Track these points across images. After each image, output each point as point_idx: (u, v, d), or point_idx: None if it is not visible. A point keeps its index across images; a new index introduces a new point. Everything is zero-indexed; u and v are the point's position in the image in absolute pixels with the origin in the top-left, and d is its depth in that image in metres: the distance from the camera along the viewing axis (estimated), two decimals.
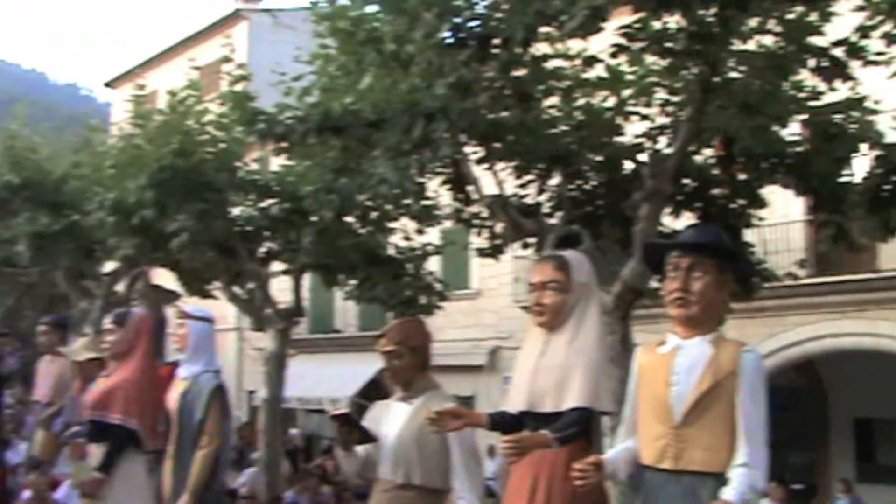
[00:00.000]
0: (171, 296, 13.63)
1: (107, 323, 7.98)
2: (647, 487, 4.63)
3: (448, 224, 14.98)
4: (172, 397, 7.79)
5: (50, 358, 10.97)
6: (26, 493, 9.64)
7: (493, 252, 14.01)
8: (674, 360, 4.57)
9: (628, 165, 12.73)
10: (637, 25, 10.45)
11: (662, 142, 12.40)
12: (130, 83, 18.31)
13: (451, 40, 11.33)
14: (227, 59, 14.84)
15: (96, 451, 7.61)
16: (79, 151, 18.99)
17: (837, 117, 12.12)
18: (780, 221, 18.47)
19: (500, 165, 12.90)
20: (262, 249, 15.54)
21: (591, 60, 11.71)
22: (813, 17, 10.62)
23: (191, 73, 16.06)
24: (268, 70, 13.72)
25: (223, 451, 7.71)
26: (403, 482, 5.83)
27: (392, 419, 6.00)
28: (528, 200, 13.32)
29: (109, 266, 19.60)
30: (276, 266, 16.23)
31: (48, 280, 20.69)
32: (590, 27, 9.77)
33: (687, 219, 12.63)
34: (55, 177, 18.75)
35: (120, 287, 17.93)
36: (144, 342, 7.84)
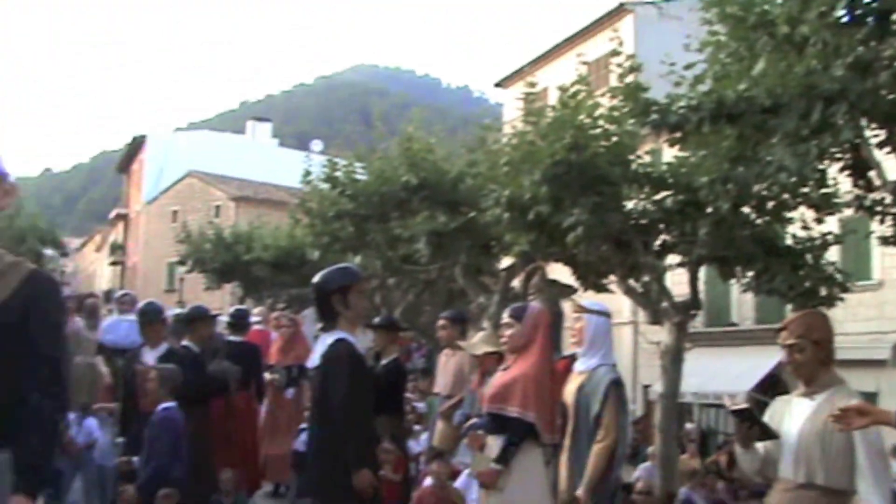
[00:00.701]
0: (568, 290, 13.72)
1: (505, 317, 8.09)
2: None
3: (848, 212, 14.39)
4: (569, 391, 7.81)
5: (450, 352, 11.28)
6: (428, 481, 9.91)
7: None
8: None
9: None
10: None
11: None
12: (520, 81, 18.53)
13: (847, 18, 10.89)
14: (615, 53, 14.76)
15: (494, 443, 7.72)
16: (473, 151, 19.43)
17: None
18: None
19: None
20: (658, 242, 15.33)
21: None
22: None
23: (580, 68, 16.08)
24: (655, 61, 13.58)
25: (619, 446, 7.67)
26: (805, 481, 5.62)
27: (794, 416, 5.79)
28: None
29: (506, 262, 19.93)
30: (672, 259, 16.02)
31: (446, 276, 21.21)
32: None
33: None
34: (451, 176, 19.21)
35: (516, 282, 18.21)
36: (542, 336, 7.88)
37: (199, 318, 11.31)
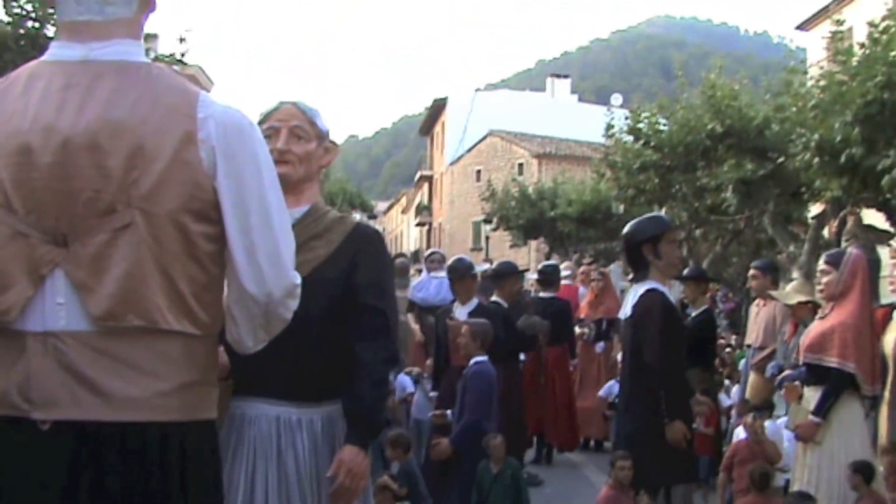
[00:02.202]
0: (884, 236, 13.25)
1: (821, 264, 7.88)
2: None
3: None
4: (888, 340, 7.56)
5: (761, 302, 11.10)
6: (742, 435, 9.74)
7: None
8: None
9: None
10: None
11: None
12: (825, 21, 17.88)
13: None
14: None
15: (812, 395, 7.53)
16: (779, 95, 18.93)
17: None
18: None
19: None
20: None
21: None
22: None
23: (888, 1, 15.45)
24: None
25: None
26: None
27: None
28: None
29: (816, 209, 19.38)
30: None
31: (754, 226, 20.83)
32: None
33: None
34: (757, 122, 18.78)
35: (826, 231, 17.71)
36: (861, 283, 7.61)
37: (507, 275, 11.44)
